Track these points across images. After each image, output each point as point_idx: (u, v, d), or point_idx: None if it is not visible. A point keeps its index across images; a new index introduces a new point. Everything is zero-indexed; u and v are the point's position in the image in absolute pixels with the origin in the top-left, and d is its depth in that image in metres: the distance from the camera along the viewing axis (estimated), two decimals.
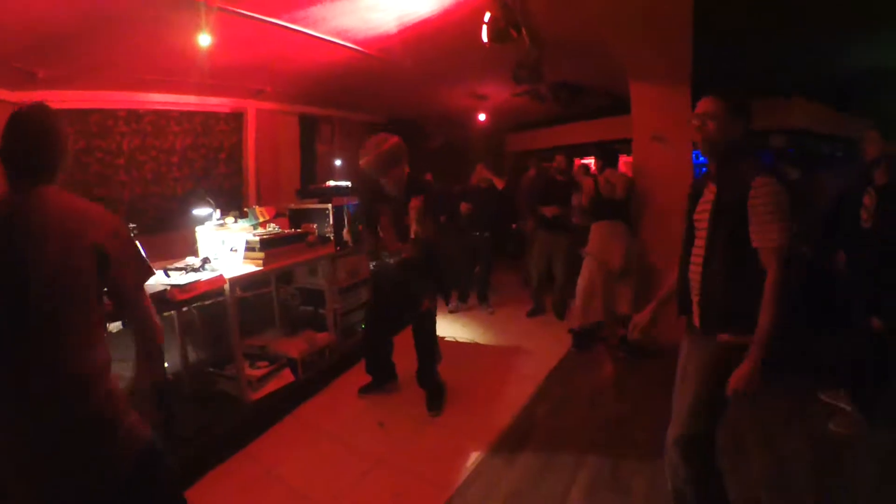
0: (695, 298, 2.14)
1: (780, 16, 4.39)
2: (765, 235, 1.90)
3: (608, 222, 4.88)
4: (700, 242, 2.12)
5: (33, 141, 1.63)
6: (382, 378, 4.17)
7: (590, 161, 9.05)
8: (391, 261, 3.83)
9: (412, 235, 3.73)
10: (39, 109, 1.70)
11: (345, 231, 3.84)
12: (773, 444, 3.22)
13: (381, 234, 3.88)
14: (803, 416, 3.55)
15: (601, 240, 4.87)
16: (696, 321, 2.14)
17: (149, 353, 1.94)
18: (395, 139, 3.62)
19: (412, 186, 3.76)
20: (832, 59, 5.79)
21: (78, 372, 1.57)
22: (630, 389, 4.14)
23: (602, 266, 4.82)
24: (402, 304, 3.89)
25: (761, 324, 1.88)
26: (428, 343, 3.96)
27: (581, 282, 4.96)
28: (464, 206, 6.31)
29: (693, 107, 2.16)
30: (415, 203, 3.69)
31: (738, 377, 1.91)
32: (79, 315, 1.60)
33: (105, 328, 1.80)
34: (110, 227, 1.68)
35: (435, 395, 3.93)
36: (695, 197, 2.22)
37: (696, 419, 2.08)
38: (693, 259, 2.16)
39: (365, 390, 4.14)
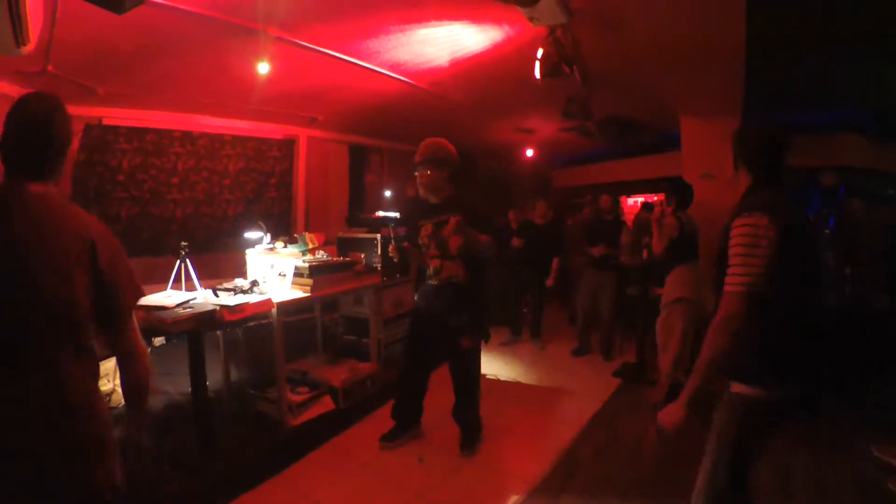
0: None
1: (835, 48, 4.29)
2: (728, 278, 1.86)
3: (693, 264, 4.43)
4: None
5: (30, 131, 1.48)
6: (408, 423, 3.88)
7: (651, 198, 8.99)
8: (433, 282, 3.56)
9: (452, 251, 3.49)
10: (41, 98, 1.53)
11: (391, 248, 3.65)
12: (820, 491, 3.09)
13: (422, 249, 3.61)
14: (854, 463, 3.40)
15: (693, 283, 4.33)
16: None
17: (137, 392, 1.70)
18: (441, 144, 3.61)
19: (455, 200, 3.58)
20: (889, 92, 5.62)
21: (66, 390, 1.42)
22: (675, 434, 3.99)
23: (698, 313, 4.24)
24: (442, 337, 3.64)
25: (696, 364, 1.91)
26: (470, 384, 3.74)
27: (674, 333, 4.35)
28: (516, 241, 6.31)
29: None
30: (455, 218, 3.39)
31: (665, 413, 1.99)
32: (72, 323, 1.46)
33: (94, 351, 1.59)
34: (102, 230, 1.53)
35: (470, 435, 3.75)
36: None
37: (714, 468, 2.05)
38: None
39: (388, 438, 3.77)
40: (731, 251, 1.87)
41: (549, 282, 6.30)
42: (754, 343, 1.87)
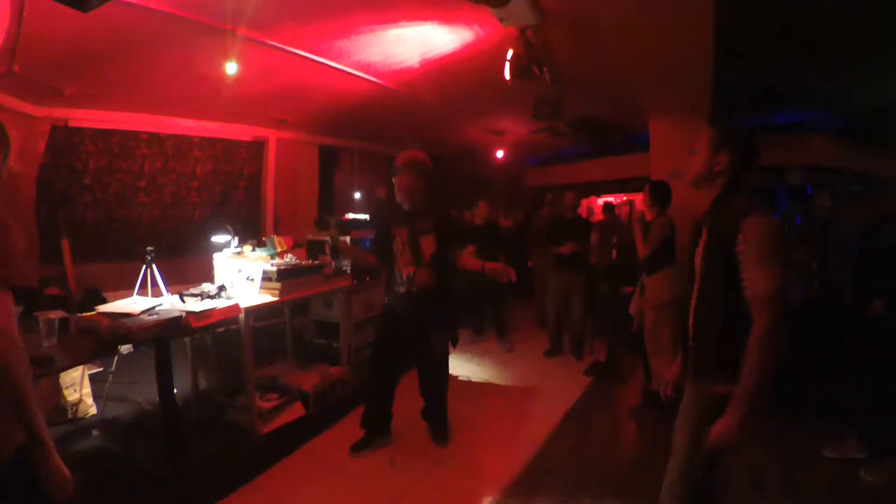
0: (690, 342, 2.08)
1: (801, 50, 4.39)
2: (754, 283, 1.76)
3: (676, 266, 4.25)
4: (696, 286, 2.06)
5: None
6: (377, 432, 3.83)
7: (620, 197, 9.07)
8: (404, 289, 3.54)
9: (426, 259, 3.53)
10: None
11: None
12: (792, 489, 3.14)
13: (396, 256, 3.59)
14: (825, 460, 3.46)
15: (679, 285, 4.11)
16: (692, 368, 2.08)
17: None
18: (421, 155, 3.63)
19: (430, 210, 3.66)
20: (856, 93, 5.78)
21: None
22: (648, 432, 4.04)
23: (682, 315, 4.18)
24: (414, 342, 3.66)
25: (744, 376, 1.76)
26: (442, 386, 3.83)
27: (663, 338, 4.23)
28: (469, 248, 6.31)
29: None
30: (427, 226, 3.57)
31: (719, 429, 1.82)
32: None
33: None
34: None
35: (441, 427, 3.85)
36: (696, 236, 2.11)
37: (688, 468, 2.04)
38: (690, 303, 2.10)
39: (357, 448, 3.71)
40: (750, 254, 1.78)
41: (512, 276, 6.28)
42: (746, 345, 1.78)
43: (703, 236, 2.03)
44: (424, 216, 3.60)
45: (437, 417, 3.88)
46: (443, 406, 3.87)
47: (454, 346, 3.75)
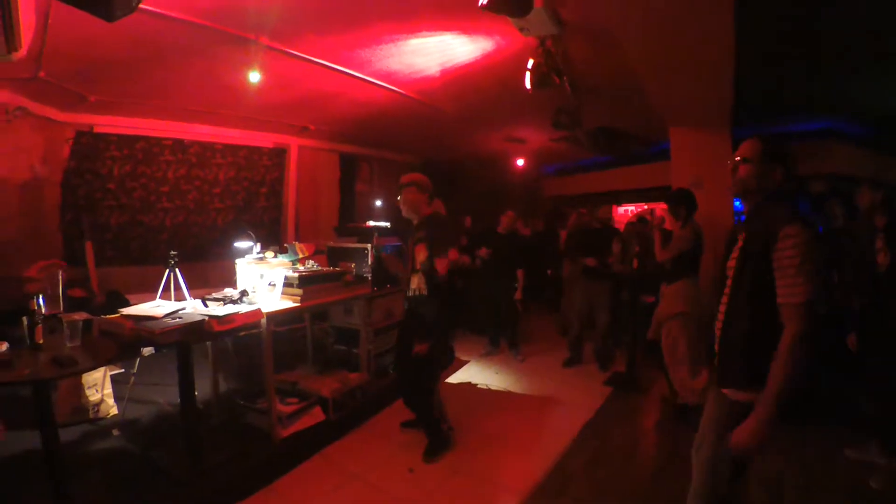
0: (716, 350, 2.07)
1: (822, 58, 4.35)
2: (789, 290, 1.76)
3: (695, 279, 4.29)
4: (727, 292, 2.04)
5: None
6: None
7: (642, 206, 9.02)
8: (409, 293, 3.87)
9: (417, 266, 3.75)
10: None
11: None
12: (811, 498, 3.11)
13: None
14: (843, 468, 3.43)
15: (694, 298, 4.23)
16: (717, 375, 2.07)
17: None
18: (423, 175, 3.92)
19: (427, 220, 3.84)
20: (877, 100, 5.71)
21: None
22: (668, 442, 4.00)
23: (699, 327, 4.21)
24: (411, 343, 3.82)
25: (771, 381, 1.75)
26: (420, 390, 3.86)
27: (678, 349, 4.28)
28: (483, 252, 6.29)
29: (734, 151, 2.10)
30: (421, 235, 3.76)
31: (741, 432, 1.82)
32: None
33: None
34: None
35: (430, 442, 3.84)
36: (730, 244, 2.11)
37: (711, 475, 2.09)
38: (719, 310, 2.07)
39: (406, 425, 4.19)
40: (788, 262, 1.76)
41: (517, 295, 6.23)
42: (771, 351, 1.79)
43: (739, 243, 2.02)
44: (420, 227, 3.82)
45: (423, 427, 3.93)
46: (424, 415, 3.91)
47: (429, 348, 3.70)
